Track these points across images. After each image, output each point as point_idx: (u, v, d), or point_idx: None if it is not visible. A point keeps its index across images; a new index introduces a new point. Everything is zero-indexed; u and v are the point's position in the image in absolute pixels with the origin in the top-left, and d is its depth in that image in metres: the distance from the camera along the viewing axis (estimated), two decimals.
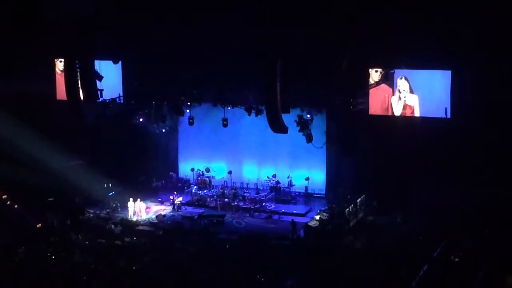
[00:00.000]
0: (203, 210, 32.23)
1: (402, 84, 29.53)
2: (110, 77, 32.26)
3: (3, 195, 30.79)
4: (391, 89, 29.65)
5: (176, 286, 22.09)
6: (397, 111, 29.81)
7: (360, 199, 30.13)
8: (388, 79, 29.57)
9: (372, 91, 29.84)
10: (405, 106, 29.61)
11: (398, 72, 29.49)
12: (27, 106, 32.01)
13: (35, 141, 30.91)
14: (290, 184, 33.68)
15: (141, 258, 24.88)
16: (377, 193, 30.48)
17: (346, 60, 28.41)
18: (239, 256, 25.11)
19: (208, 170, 35.16)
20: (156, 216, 30.99)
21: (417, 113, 29.46)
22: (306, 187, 33.39)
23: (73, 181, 31.95)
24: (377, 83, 29.70)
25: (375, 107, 30.04)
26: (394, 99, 29.74)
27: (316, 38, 27.51)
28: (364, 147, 30.97)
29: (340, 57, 28.43)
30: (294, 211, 31.57)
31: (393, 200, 29.71)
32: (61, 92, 32.56)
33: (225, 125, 32.24)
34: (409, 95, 29.46)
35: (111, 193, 33.54)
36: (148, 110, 34.62)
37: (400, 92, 29.58)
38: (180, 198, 33.07)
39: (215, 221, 30.45)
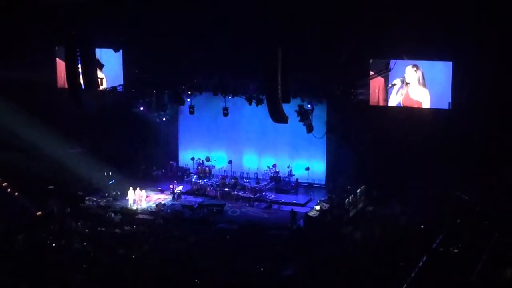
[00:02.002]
0: (203, 199, 32.27)
1: (410, 73, 29.10)
2: (111, 66, 32.30)
3: (3, 183, 30.77)
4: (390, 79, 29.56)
5: (175, 274, 22.11)
6: (400, 102, 29.51)
7: (360, 189, 30.12)
8: (388, 70, 29.44)
9: (372, 82, 29.75)
10: (410, 98, 29.32)
11: (407, 61, 29.08)
12: (28, 93, 31.93)
13: (35, 128, 30.88)
14: (290, 174, 33.69)
15: (141, 246, 24.91)
16: (377, 184, 30.46)
17: (346, 50, 28.33)
18: (238, 245, 25.18)
19: (208, 159, 35.17)
20: (156, 205, 31.04)
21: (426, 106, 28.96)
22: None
23: (73, 169, 32.02)
24: (378, 74, 29.59)
25: (375, 97, 29.93)
26: (395, 89, 29.47)
27: (317, 28, 27.43)
28: (364, 137, 30.97)
29: (341, 47, 28.33)
30: (294, 201, 31.61)
31: (393, 191, 29.70)
32: (61, 80, 32.61)
33: (225, 115, 32.26)
34: (418, 87, 29.04)
35: (111, 182, 33.56)
36: (149, 98, 34.61)
37: (407, 82, 29.29)
38: (180, 187, 33.07)
39: (215, 210, 30.51)
